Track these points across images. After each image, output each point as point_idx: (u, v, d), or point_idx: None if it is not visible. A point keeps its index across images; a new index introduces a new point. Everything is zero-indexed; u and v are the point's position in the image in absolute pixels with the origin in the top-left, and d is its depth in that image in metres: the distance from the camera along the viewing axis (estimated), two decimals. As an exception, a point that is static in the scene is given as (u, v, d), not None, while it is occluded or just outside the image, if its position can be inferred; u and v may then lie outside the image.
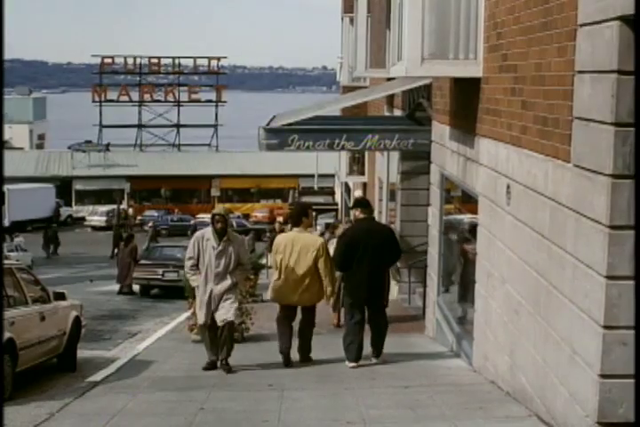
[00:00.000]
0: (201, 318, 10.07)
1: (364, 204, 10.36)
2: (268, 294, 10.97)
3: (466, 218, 10.52)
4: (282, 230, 10.71)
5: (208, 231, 10.04)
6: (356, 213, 10.15)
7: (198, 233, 10.26)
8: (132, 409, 8.13)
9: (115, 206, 59.27)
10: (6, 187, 50.44)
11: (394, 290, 16.08)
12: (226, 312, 9.83)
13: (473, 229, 9.45)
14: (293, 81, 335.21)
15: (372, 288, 9.77)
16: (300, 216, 10.27)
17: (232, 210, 63.36)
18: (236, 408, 7.88)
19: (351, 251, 9.71)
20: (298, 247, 10.02)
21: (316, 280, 10.08)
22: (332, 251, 10.25)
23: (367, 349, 10.05)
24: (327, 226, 24.06)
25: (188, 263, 10.07)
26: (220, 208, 10.36)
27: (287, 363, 10.15)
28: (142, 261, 26.29)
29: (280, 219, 39.43)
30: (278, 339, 10.37)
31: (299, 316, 10.48)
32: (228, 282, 9.89)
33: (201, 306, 10.00)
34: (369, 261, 9.66)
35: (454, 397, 7.95)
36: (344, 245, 9.83)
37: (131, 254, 27.05)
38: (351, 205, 11.03)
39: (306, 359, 10.37)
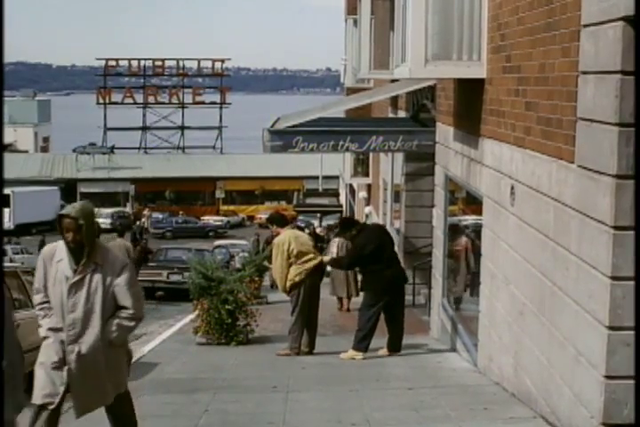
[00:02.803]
0: (42, 396, 5.73)
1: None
2: (293, 293, 11.11)
3: (470, 219, 10.52)
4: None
5: (60, 247, 5.73)
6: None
7: (47, 248, 5.85)
8: (137, 411, 8.08)
9: (120, 208, 59.43)
10: (11, 189, 50.61)
11: None
12: (101, 396, 5.99)
13: (477, 230, 9.44)
14: (297, 83, 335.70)
15: (399, 288, 10.96)
16: (285, 219, 12.07)
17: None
18: (240, 410, 7.88)
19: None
20: (309, 240, 11.45)
21: None
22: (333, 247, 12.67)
23: (374, 344, 10.75)
24: (330, 227, 27.01)
25: (36, 298, 5.93)
26: (70, 207, 5.66)
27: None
28: (148, 264, 26.34)
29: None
30: (301, 334, 11.17)
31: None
32: (95, 340, 5.66)
33: (47, 374, 5.73)
34: (393, 262, 10.83)
35: (459, 398, 7.94)
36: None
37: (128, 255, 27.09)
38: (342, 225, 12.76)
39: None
